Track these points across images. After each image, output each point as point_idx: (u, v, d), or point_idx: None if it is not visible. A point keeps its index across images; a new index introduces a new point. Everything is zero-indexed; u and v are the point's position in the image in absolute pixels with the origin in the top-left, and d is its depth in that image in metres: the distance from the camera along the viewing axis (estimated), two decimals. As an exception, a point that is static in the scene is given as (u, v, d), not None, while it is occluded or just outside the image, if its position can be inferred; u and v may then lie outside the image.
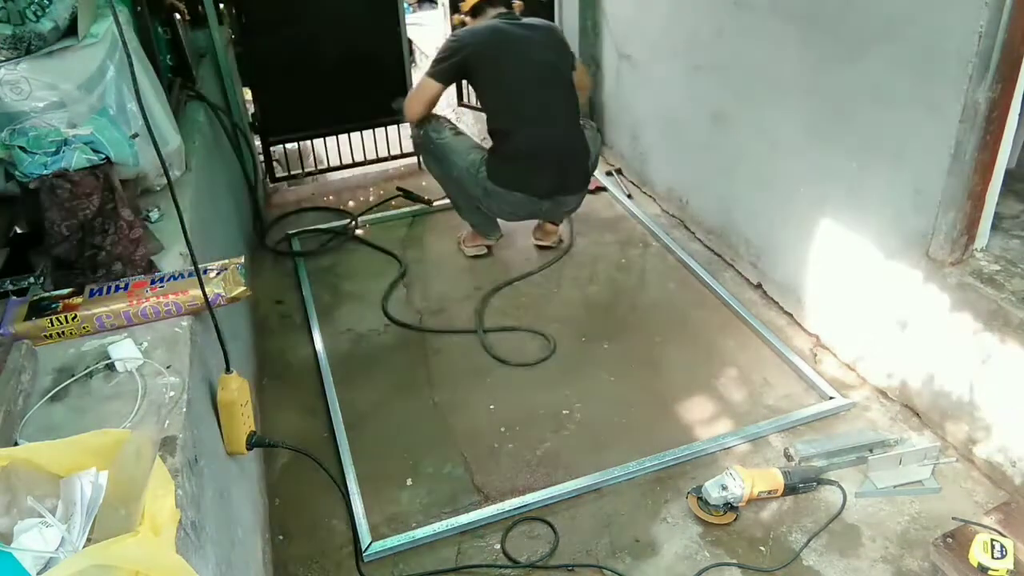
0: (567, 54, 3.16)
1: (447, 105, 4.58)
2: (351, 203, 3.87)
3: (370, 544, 2.00)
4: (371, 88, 3.92)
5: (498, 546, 2.02)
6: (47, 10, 1.66)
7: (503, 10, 3.11)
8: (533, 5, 4.01)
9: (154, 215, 1.99)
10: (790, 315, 2.81)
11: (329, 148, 4.23)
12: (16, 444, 1.22)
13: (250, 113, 3.89)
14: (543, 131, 2.99)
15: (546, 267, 3.23)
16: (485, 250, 3.34)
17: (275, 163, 4.07)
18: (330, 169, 4.23)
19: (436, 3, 6.65)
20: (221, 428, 1.59)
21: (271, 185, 4.08)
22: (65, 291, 1.58)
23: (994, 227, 2.17)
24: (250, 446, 1.63)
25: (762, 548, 1.98)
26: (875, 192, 2.31)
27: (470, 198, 3.18)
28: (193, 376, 1.44)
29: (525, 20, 3.12)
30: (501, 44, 3.00)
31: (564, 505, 2.12)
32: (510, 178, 3.03)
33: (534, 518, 2.08)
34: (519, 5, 3.19)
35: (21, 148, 1.65)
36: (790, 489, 2.07)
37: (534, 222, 3.34)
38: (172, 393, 1.35)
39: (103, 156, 1.74)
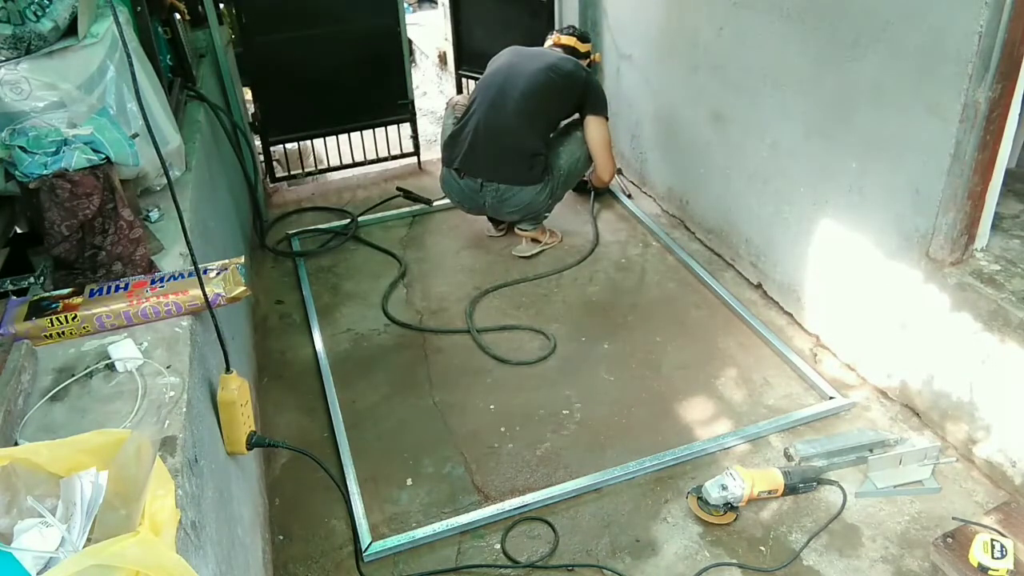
0: (572, 93, 3.14)
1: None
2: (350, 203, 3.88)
3: (370, 544, 2.00)
4: (371, 88, 3.92)
5: (498, 546, 2.02)
6: (47, 10, 1.66)
7: (551, 42, 3.30)
8: (533, 5, 4.03)
9: (154, 215, 1.99)
10: (790, 315, 2.81)
11: (329, 148, 4.23)
12: (16, 444, 1.22)
13: (250, 113, 3.89)
14: (490, 116, 3.08)
15: (551, 273, 3.24)
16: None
17: (275, 163, 4.08)
18: (330, 169, 4.23)
19: (436, 3, 6.65)
20: (221, 428, 1.59)
21: (271, 185, 4.08)
22: (65, 291, 1.58)
23: (994, 227, 2.17)
24: (250, 446, 1.63)
25: (762, 548, 1.98)
26: (875, 192, 2.31)
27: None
28: (193, 376, 1.44)
29: (554, 53, 3.19)
30: (505, 53, 3.22)
31: (564, 505, 2.12)
32: (448, 155, 3.20)
33: (534, 518, 2.09)
34: (558, 38, 3.29)
35: (21, 148, 1.65)
36: (790, 489, 2.07)
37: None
38: (172, 393, 1.35)
39: (103, 156, 1.74)
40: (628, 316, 2.91)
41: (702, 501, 2.04)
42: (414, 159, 4.21)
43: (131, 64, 1.35)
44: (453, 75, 4.70)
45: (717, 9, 2.86)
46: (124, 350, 1.45)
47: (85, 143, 1.71)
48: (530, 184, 3.10)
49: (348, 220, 3.62)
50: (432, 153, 4.10)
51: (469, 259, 3.34)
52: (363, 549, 1.98)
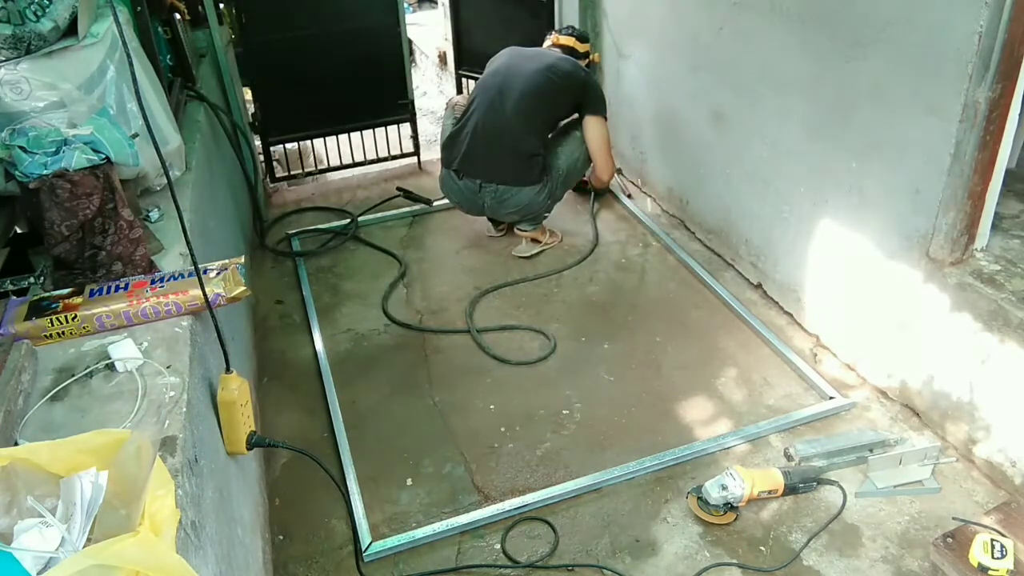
0: (570, 93, 3.14)
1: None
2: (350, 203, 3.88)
3: (370, 544, 2.00)
4: (371, 88, 3.93)
5: (498, 546, 2.02)
6: (47, 10, 1.66)
7: (550, 42, 3.29)
8: (532, 5, 4.03)
9: (154, 215, 1.99)
10: (790, 315, 2.81)
11: (329, 148, 4.23)
12: (16, 444, 1.22)
13: (250, 113, 3.89)
14: (489, 117, 3.08)
15: (551, 273, 3.24)
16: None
17: (275, 163, 4.08)
18: (330, 169, 4.23)
19: (436, 3, 6.65)
20: (221, 428, 1.59)
21: (271, 185, 4.08)
22: (65, 291, 1.58)
23: (994, 227, 2.17)
24: (250, 446, 1.63)
25: (762, 548, 1.98)
26: (875, 192, 2.31)
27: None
28: (193, 376, 1.44)
29: (552, 53, 3.19)
30: (503, 54, 3.22)
31: (564, 505, 2.12)
32: (447, 156, 3.20)
33: (534, 518, 2.09)
34: (556, 38, 3.28)
35: (21, 148, 1.65)
36: (790, 489, 2.07)
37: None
38: (172, 393, 1.35)
39: (103, 156, 1.74)
40: (628, 316, 2.91)
41: (702, 501, 2.04)
42: (414, 159, 4.21)
43: (131, 64, 1.35)
44: (453, 75, 4.71)
45: (717, 9, 2.85)
46: (124, 350, 1.45)
47: (85, 143, 1.71)
48: (529, 185, 3.10)
49: (348, 220, 3.62)
50: (432, 153, 4.10)
51: (469, 259, 3.34)
52: (363, 549, 1.98)
